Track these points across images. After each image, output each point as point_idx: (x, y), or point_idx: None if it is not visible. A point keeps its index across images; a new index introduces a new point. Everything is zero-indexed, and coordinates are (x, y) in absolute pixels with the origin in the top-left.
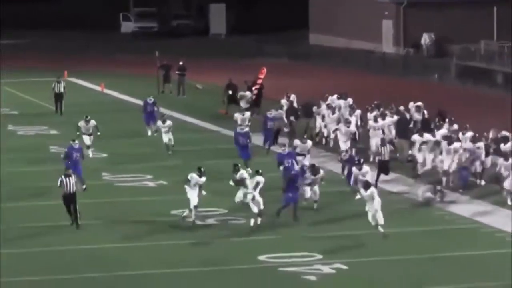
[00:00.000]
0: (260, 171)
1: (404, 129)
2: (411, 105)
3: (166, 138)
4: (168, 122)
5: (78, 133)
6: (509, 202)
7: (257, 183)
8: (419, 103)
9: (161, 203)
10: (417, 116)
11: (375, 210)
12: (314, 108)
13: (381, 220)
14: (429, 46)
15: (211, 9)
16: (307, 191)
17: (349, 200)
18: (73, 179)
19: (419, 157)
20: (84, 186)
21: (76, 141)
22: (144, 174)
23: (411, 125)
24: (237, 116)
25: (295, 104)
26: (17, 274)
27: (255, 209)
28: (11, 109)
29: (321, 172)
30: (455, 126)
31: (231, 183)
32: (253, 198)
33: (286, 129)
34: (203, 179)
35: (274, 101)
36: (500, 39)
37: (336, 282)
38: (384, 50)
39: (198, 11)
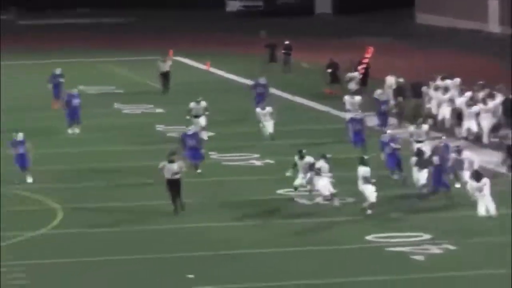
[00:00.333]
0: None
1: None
2: None
3: (268, 126)
4: (268, 109)
5: (188, 117)
6: None
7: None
8: None
9: (267, 182)
10: None
11: (486, 200)
12: (424, 88)
13: (493, 210)
14: None
15: None
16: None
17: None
18: (176, 166)
19: None
20: (198, 170)
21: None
22: (251, 153)
23: None
24: (347, 99)
25: (403, 84)
26: (127, 253)
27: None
28: (116, 87)
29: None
30: None
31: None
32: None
33: (394, 110)
34: (306, 160)
35: (380, 80)
36: None
37: (444, 262)
38: (490, 30)
39: None
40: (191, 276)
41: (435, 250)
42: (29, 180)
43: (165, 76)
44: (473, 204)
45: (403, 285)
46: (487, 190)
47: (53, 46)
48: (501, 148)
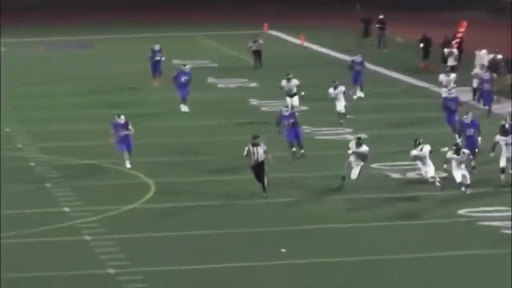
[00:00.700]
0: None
1: None
2: None
3: (339, 105)
4: (340, 88)
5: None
6: None
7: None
8: None
9: None
10: None
11: None
12: None
13: None
14: None
15: None
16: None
17: None
18: (261, 148)
19: None
20: (302, 151)
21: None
22: (344, 128)
23: None
24: (442, 77)
25: (498, 60)
26: (218, 227)
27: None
28: (211, 61)
29: None
30: None
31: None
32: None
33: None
34: (362, 149)
35: (473, 55)
36: None
37: None
38: None
39: None
40: (283, 250)
41: None
42: (128, 165)
43: (257, 54)
44: None
45: (494, 259)
46: None
47: (147, 20)
48: None
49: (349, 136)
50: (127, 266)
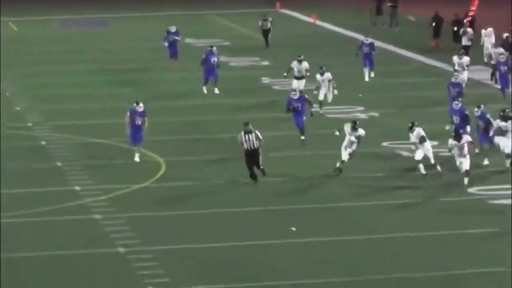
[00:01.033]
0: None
1: None
2: None
3: (321, 93)
4: (326, 75)
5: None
6: None
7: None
8: None
9: (371, 135)
10: None
11: None
12: None
13: None
14: None
15: None
16: None
17: None
18: (253, 136)
19: None
20: (302, 137)
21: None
22: (355, 106)
23: None
24: (455, 59)
25: (507, 39)
26: (227, 206)
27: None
28: (223, 39)
29: None
30: None
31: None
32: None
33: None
34: (359, 132)
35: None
36: None
37: None
38: None
39: None
40: (293, 228)
41: None
42: (137, 159)
43: (266, 33)
44: None
45: (504, 237)
46: None
47: None
48: None
49: (360, 115)
50: (137, 244)
